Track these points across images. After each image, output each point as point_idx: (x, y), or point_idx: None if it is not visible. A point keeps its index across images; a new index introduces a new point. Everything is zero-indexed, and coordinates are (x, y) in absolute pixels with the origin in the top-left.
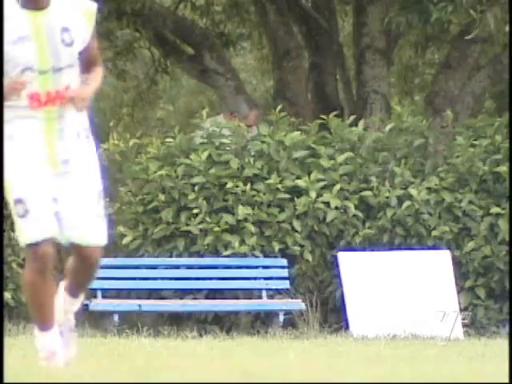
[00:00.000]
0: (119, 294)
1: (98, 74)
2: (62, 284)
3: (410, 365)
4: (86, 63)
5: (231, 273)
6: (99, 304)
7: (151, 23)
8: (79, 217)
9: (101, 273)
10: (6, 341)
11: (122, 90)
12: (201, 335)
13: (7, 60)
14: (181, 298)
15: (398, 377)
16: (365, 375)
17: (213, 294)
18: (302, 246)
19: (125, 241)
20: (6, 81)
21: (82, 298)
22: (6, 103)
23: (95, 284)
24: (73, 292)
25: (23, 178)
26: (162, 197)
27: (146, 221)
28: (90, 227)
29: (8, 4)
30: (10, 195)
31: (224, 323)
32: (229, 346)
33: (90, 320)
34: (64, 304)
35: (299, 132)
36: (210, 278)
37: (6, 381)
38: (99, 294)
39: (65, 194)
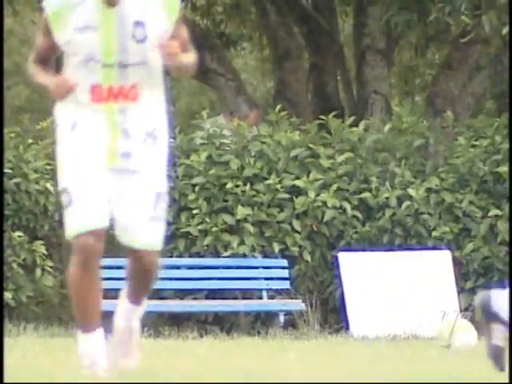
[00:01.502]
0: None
1: (190, 56)
2: (123, 291)
3: (411, 365)
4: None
5: (231, 273)
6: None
7: None
8: (131, 218)
9: (101, 273)
10: (6, 341)
11: None
12: (201, 335)
13: (68, 47)
14: (181, 299)
15: (399, 377)
16: (365, 375)
17: (213, 294)
18: (301, 247)
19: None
20: (52, 79)
21: (144, 304)
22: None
23: None
24: (132, 298)
25: (73, 167)
26: None
27: None
28: (141, 230)
29: None
30: (59, 184)
31: (224, 324)
32: (229, 346)
33: None
34: (125, 312)
35: (298, 132)
36: (211, 279)
37: (5, 381)
38: None
39: (119, 191)
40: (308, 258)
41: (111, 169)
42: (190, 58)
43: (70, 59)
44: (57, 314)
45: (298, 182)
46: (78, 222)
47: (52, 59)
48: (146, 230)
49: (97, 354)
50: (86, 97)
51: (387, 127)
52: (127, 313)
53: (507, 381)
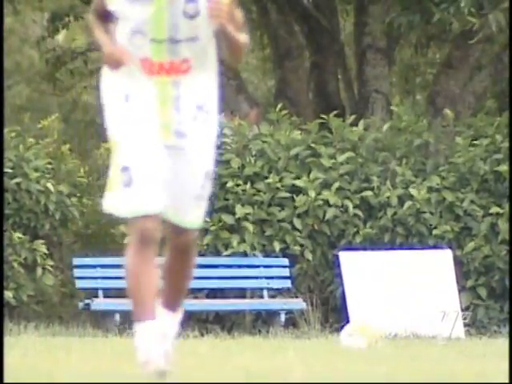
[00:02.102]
0: (121, 293)
1: (243, 36)
2: (157, 304)
3: (411, 364)
4: None
5: (232, 272)
6: (101, 303)
7: None
8: (180, 196)
9: (102, 272)
10: (7, 340)
11: None
12: (202, 334)
13: (119, 18)
14: None
15: (399, 376)
16: (366, 374)
17: (214, 293)
18: (302, 246)
19: (126, 240)
20: (110, 47)
21: (181, 313)
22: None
23: (96, 283)
24: (170, 302)
25: (132, 144)
26: None
27: None
28: (189, 208)
29: None
30: (117, 160)
31: (225, 323)
32: (230, 345)
33: (91, 319)
34: (163, 327)
35: (300, 131)
36: (211, 278)
37: (5, 381)
38: (101, 293)
39: (170, 168)
40: (309, 256)
41: (164, 144)
42: (242, 37)
43: (120, 28)
44: (57, 313)
45: (298, 182)
46: (138, 203)
47: (108, 16)
48: (193, 208)
49: (154, 342)
50: (138, 67)
51: (385, 126)
52: (166, 328)
53: (507, 381)
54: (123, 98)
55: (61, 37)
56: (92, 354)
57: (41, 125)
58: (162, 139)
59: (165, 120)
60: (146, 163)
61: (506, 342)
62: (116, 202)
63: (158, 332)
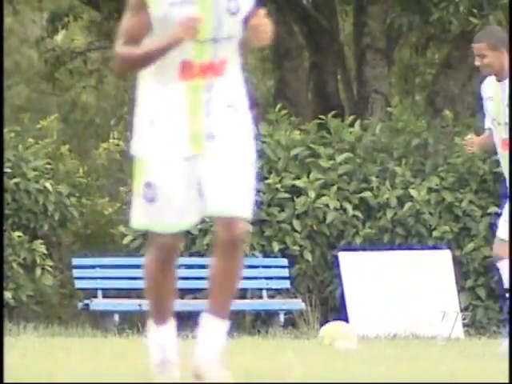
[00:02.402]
0: (120, 293)
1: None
2: (203, 316)
3: (411, 364)
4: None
5: None
6: (100, 304)
7: None
8: (224, 188)
9: (101, 272)
10: (6, 341)
11: (123, 89)
12: None
13: (162, 23)
14: (181, 298)
15: (399, 376)
16: (365, 375)
17: None
18: (301, 246)
19: (125, 240)
20: (170, 36)
21: (228, 321)
22: (151, 64)
23: (95, 284)
24: (218, 307)
25: (158, 160)
26: None
27: None
28: (235, 198)
29: None
30: (141, 176)
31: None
32: (229, 345)
33: (90, 319)
34: (209, 340)
35: (299, 132)
36: None
37: (5, 381)
38: (100, 293)
39: (209, 169)
40: (308, 257)
41: (198, 154)
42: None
43: (162, 33)
44: (57, 314)
45: (298, 182)
46: (162, 220)
47: (142, 41)
48: (239, 198)
49: (168, 345)
50: (175, 74)
51: (379, 127)
52: (213, 340)
53: (507, 381)
54: (149, 123)
55: (60, 37)
56: (91, 354)
57: (40, 125)
58: (194, 149)
59: (196, 129)
60: (170, 180)
61: (505, 342)
62: (139, 217)
63: (173, 333)
